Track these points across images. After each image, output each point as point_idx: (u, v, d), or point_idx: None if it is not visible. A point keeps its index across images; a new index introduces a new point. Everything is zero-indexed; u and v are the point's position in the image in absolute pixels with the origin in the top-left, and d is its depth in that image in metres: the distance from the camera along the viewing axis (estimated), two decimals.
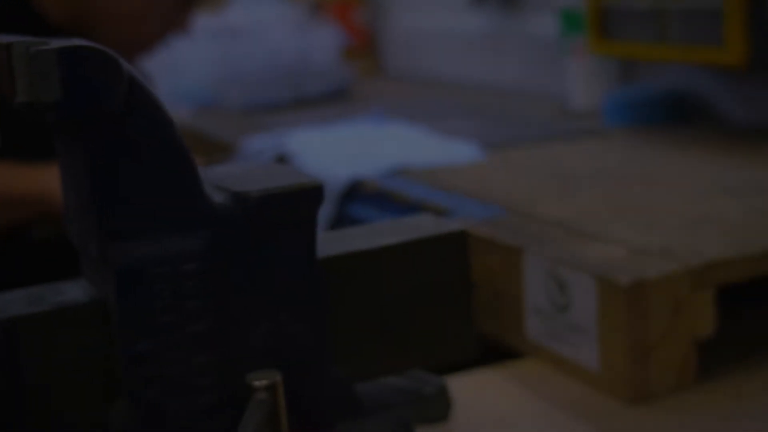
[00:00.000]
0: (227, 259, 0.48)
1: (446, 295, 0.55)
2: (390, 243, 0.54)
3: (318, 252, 0.51)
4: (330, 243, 0.54)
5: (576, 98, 1.38)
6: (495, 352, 0.76)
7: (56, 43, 0.43)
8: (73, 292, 0.48)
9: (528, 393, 0.68)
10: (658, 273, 0.63)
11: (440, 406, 0.64)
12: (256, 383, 0.47)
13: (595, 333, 0.65)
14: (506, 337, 0.75)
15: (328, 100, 1.71)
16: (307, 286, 0.50)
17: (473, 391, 0.68)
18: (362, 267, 0.53)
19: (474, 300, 0.56)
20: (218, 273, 0.48)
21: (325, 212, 1.05)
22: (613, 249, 0.69)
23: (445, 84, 1.83)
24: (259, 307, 0.49)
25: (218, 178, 0.51)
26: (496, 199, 0.87)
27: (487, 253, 0.76)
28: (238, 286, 0.49)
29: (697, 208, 0.80)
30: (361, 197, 1.03)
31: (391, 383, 0.62)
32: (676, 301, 0.63)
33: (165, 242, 0.47)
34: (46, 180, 1.03)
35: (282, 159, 1.18)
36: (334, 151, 1.15)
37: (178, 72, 1.78)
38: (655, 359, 0.63)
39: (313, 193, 0.50)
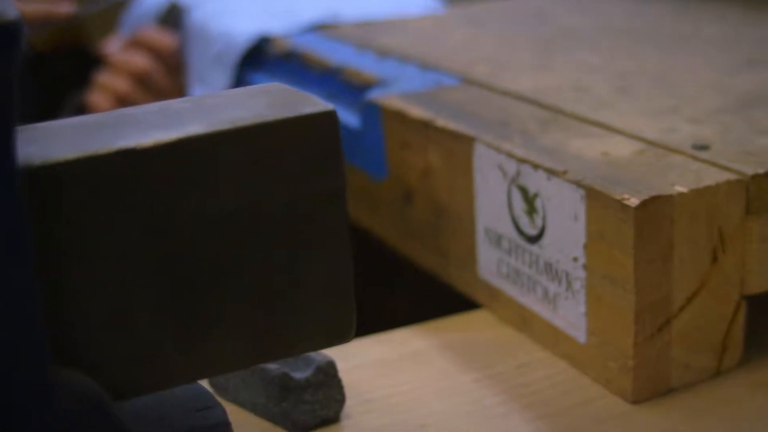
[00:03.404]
0: None
1: (297, 234, 0.32)
2: (179, 137, 0.30)
3: (28, 156, 0.30)
4: (62, 138, 0.31)
5: None
6: (438, 294, 0.60)
7: None
8: None
9: (471, 376, 0.48)
10: (689, 185, 0.45)
11: (323, 402, 0.43)
12: None
13: (582, 281, 0.47)
14: (450, 275, 0.58)
15: None
16: None
17: (384, 372, 0.48)
18: (124, 183, 0.30)
19: (350, 245, 0.33)
20: None
21: (218, 82, 0.84)
22: (615, 143, 0.52)
23: None
24: None
25: None
26: (449, 65, 0.70)
27: (425, 146, 0.58)
28: None
29: (745, 83, 0.62)
30: (268, 62, 0.83)
31: None
32: (718, 232, 0.45)
33: None
34: None
35: (172, 11, 0.95)
36: (239, 3, 0.93)
37: None
38: (681, 329, 0.46)
39: None
